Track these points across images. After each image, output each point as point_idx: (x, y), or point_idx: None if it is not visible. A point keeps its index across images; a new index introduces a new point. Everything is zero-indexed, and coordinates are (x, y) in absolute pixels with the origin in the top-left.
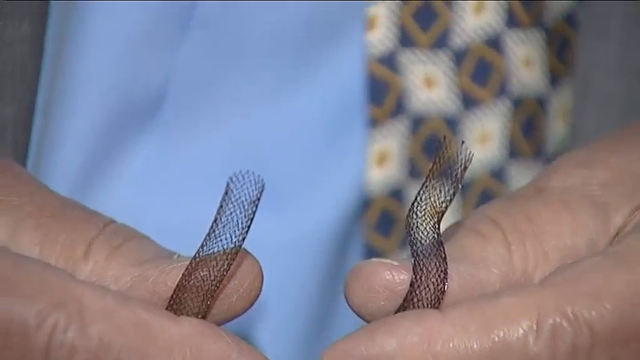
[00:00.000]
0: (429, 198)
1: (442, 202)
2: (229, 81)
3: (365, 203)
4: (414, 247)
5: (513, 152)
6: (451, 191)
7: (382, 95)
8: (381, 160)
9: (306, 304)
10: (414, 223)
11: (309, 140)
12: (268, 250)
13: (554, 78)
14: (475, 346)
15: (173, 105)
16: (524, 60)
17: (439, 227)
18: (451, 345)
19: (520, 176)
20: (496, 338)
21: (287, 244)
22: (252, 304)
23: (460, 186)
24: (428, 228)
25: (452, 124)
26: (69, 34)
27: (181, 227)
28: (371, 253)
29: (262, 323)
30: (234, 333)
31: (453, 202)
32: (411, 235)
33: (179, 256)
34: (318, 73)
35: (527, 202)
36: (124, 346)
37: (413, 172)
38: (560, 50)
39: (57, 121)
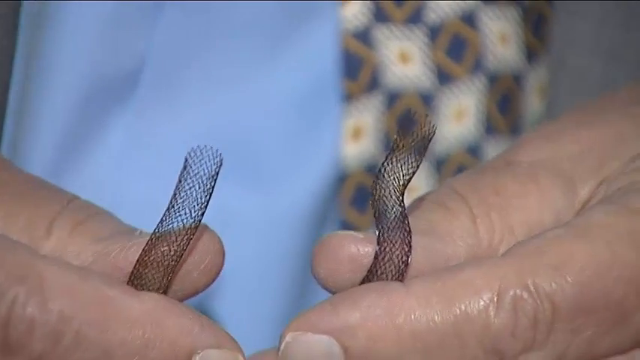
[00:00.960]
0: (393, 170)
1: (406, 174)
2: (204, 60)
3: (341, 178)
4: (379, 219)
5: (489, 128)
6: (415, 163)
7: (357, 70)
8: (356, 134)
9: (283, 280)
10: (378, 196)
11: (285, 117)
12: (245, 226)
13: (531, 54)
14: (437, 318)
15: (149, 84)
16: (500, 36)
17: (403, 199)
18: (413, 317)
19: (496, 152)
20: (457, 310)
21: (264, 220)
22: (213, 280)
23: (423, 158)
24: (392, 200)
25: (427, 99)
26: (44, 14)
27: (156, 204)
28: (347, 228)
29: (238, 298)
30: (206, 307)
31: (429, 179)
32: (375, 207)
33: (141, 232)
34: (293, 49)
35: (494, 175)
36: (84, 321)
37: (389, 147)
38: (536, 26)
39: (33, 100)
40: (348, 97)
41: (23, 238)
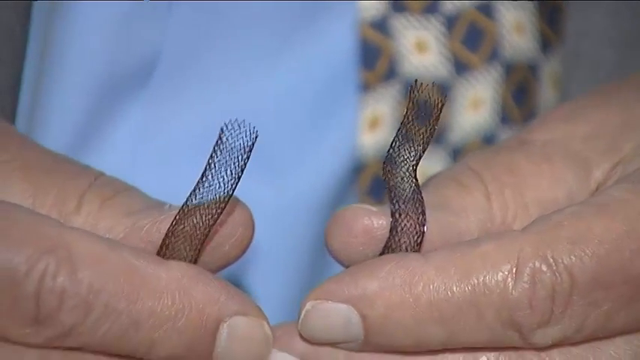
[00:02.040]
0: (406, 143)
1: (418, 147)
2: (220, 49)
3: (358, 168)
4: (392, 193)
5: (505, 118)
6: (427, 135)
7: (374, 59)
8: (373, 124)
9: (298, 270)
10: (390, 169)
11: (302, 106)
12: (262, 216)
13: (545, 44)
14: (455, 288)
15: (163, 74)
16: (516, 26)
17: (416, 172)
18: (431, 287)
19: None
20: (476, 281)
21: (280, 210)
22: (243, 253)
23: (436, 128)
24: (405, 174)
25: (444, 89)
26: (57, 10)
27: (170, 194)
28: None
29: (255, 285)
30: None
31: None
32: (388, 181)
33: (170, 206)
34: (310, 38)
35: (509, 154)
36: (113, 292)
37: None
38: (550, 17)
39: (48, 92)
40: (366, 87)
41: (53, 214)
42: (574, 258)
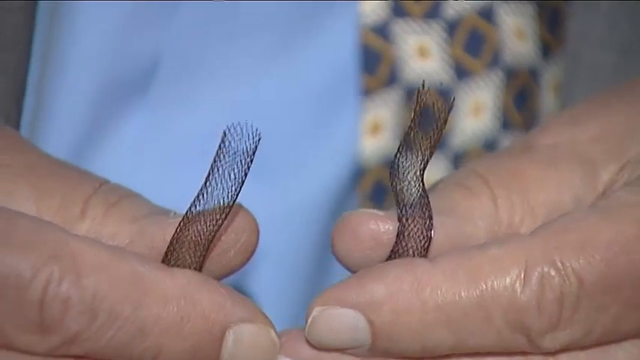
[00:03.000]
0: (412, 148)
1: (425, 151)
2: (221, 53)
3: (359, 173)
4: (399, 197)
5: (506, 123)
6: (434, 139)
7: (375, 64)
8: (375, 129)
9: (301, 274)
10: (397, 173)
11: (303, 111)
12: (262, 220)
13: (546, 50)
14: (463, 293)
15: (165, 77)
16: (517, 31)
17: (423, 177)
18: (439, 292)
19: None
20: (484, 286)
21: (281, 215)
22: (248, 259)
23: (443, 131)
24: (412, 178)
25: (445, 94)
26: (60, 11)
27: (173, 199)
28: None
29: (258, 292)
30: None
31: (446, 173)
32: (395, 186)
33: (175, 213)
34: (311, 43)
35: (515, 158)
36: (118, 298)
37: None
38: (551, 23)
39: (50, 96)
40: (367, 92)
41: (57, 220)
42: (582, 262)
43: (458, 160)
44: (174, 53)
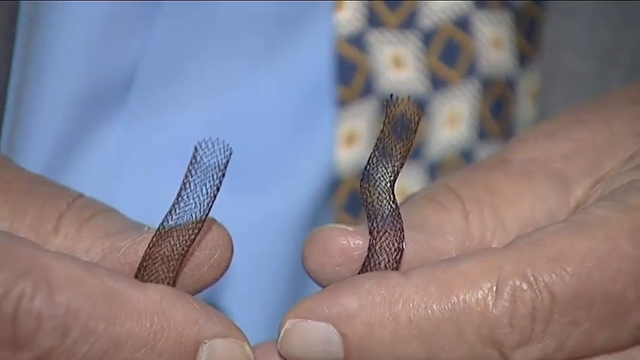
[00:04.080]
0: (382, 159)
1: (395, 163)
2: (199, 63)
3: (334, 183)
4: (370, 210)
5: (483, 133)
6: (404, 150)
7: (350, 75)
8: (350, 140)
9: (277, 284)
10: (368, 186)
11: (279, 121)
12: (239, 229)
13: (523, 59)
14: (435, 306)
15: (144, 86)
16: (493, 41)
17: (393, 189)
18: (411, 305)
19: None
20: (456, 299)
21: (257, 224)
22: (222, 274)
23: (413, 142)
24: (383, 190)
25: (421, 104)
26: (40, 17)
27: (152, 207)
28: None
29: (233, 302)
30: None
31: (422, 183)
32: (366, 198)
33: (149, 228)
34: (287, 54)
35: (488, 172)
36: (91, 314)
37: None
38: (528, 31)
39: (29, 103)
40: (342, 103)
41: (31, 236)
42: (555, 276)
43: (434, 170)
44: (152, 62)
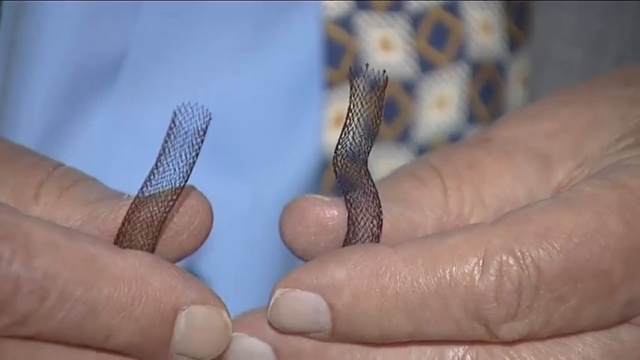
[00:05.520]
0: (354, 133)
1: (368, 136)
2: (186, 48)
3: (323, 166)
4: (346, 185)
5: (471, 117)
6: (375, 121)
7: (338, 57)
8: (338, 122)
9: (265, 267)
10: (341, 162)
11: (268, 105)
12: (228, 213)
13: (513, 44)
14: (421, 279)
15: (132, 71)
16: (483, 25)
17: (366, 163)
18: (398, 278)
19: None
20: (442, 273)
21: (247, 208)
22: (202, 242)
23: (381, 111)
24: (356, 165)
25: (409, 87)
26: (25, 4)
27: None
28: None
29: (224, 286)
30: None
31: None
32: (341, 174)
33: (129, 196)
34: (276, 37)
35: (470, 150)
36: (69, 279)
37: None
38: (518, 16)
39: (15, 91)
40: (330, 85)
41: (10, 203)
42: (542, 252)
43: (422, 153)
44: (140, 47)
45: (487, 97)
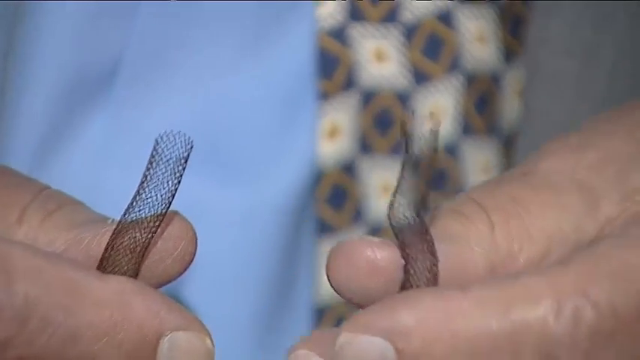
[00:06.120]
0: (407, 186)
1: (421, 188)
2: (182, 56)
3: (317, 177)
4: (398, 231)
5: (466, 128)
6: (427, 171)
7: (332, 69)
8: (332, 133)
9: (259, 277)
10: (396, 209)
11: (262, 114)
12: (221, 221)
13: (508, 54)
14: (494, 324)
15: (130, 75)
16: (478, 35)
17: (420, 210)
18: (470, 322)
19: (473, 153)
20: (515, 317)
21: (240, 216)
22: (186, 268)
23: (435, 163)
24: (410, 212)
25: (403, 99)
26: (22, 9)
27: None
28: (323, 226)
29: (213, 294)
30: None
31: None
32: (393, 220)
33: (113, 220)
34: (269, 47)
35: (512, 184)
36: (50, 304)
37: (364, 146)
38: (513, 27)
39: (12, 96)
40: (324, 96)
41: None
42: (618, 294)
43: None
44: (137, 52)
45: (482, 108)
